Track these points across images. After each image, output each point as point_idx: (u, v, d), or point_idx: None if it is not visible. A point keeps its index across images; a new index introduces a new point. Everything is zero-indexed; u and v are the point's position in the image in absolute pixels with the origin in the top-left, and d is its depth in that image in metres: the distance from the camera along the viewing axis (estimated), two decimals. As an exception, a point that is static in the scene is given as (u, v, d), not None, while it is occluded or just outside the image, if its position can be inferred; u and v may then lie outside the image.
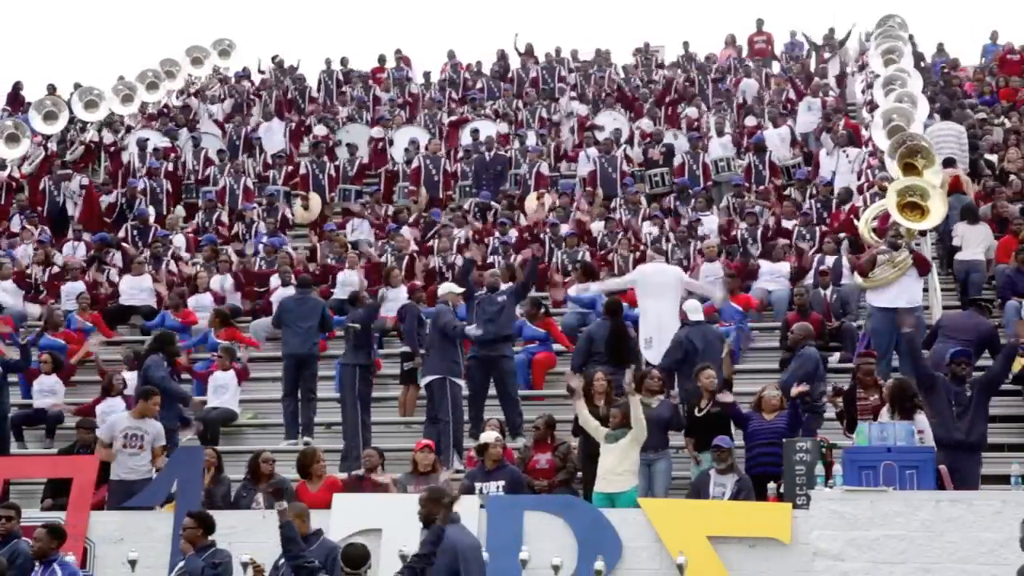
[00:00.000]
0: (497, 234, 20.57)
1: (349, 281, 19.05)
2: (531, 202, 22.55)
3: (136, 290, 19.95)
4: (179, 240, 21.64)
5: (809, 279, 18.10)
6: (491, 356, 15.67)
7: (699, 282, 17.26)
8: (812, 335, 15.00)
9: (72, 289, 19.80)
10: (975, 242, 18.40)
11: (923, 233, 17.78)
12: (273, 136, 26.49)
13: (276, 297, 18.81)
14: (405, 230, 21.27)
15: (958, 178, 19.85)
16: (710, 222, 20.41)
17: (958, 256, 18.32)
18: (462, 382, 15.31)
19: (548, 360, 17.29)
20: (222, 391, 16.62)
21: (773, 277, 18.51)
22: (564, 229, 20.54)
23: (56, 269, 20.74)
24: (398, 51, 32.63)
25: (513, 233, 20.70)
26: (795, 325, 15.29)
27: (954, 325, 15.03)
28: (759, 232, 19.80)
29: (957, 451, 12.48)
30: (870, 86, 24.60)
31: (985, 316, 15.42)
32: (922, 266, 16.03)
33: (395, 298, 17.98)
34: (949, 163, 20.14)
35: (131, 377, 16.50)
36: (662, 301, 16.11)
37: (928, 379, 12.82)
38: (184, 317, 18.85)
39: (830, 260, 18.22)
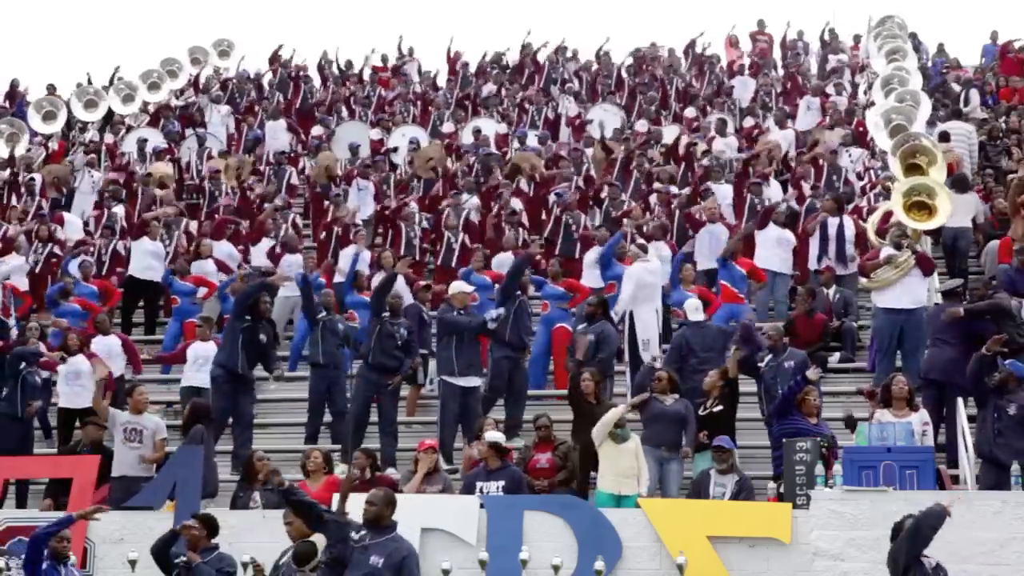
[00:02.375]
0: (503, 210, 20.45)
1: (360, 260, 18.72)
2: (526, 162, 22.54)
3: (150, 258, 19.42)
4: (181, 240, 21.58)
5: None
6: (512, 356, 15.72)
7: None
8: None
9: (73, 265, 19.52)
10: (961, 210, 18.46)
11: (928, 232, 17.81)
12: (277, 136, 26.45)
13: (283, 264, 18.75)
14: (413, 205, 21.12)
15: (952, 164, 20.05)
16: (722, 191, 20.30)
17: (945, 224, 18.35)
18: (458, 381, 15.22)
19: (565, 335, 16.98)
20: (204, 365, 16.02)
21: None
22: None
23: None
24: (411, 49, 32.70)
25: (516, 203, 20.63)
26: (768, 325, 15.22)
27: (934, 325, 14.76)
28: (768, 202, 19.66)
29: (990, 465, 12.52)
30: (870, 86, 24.60)
31: (957, 302, 14.99)
32: (926, 266, 15.96)
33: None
34: (944, 138, 20.32)
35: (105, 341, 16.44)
36: (655, 301, 16.19)
37: (983, 394, 12.86)
38: (194, 281, 18.48)
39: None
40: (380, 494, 10.45)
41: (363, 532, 10.21)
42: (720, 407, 13.81)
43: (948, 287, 15.47)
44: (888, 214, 17.17)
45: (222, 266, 19.19)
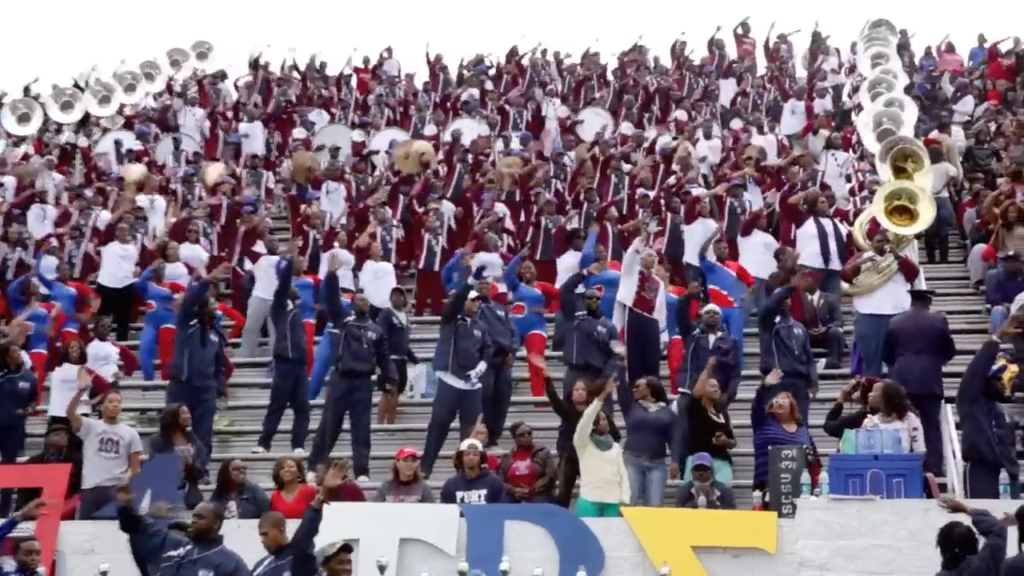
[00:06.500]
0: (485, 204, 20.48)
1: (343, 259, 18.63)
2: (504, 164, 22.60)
3: (123, 263, 19.28)
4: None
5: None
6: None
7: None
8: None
9: (48, 264, 19.30)
10: (937, 179, 19.06)
11: (918, 236, 17.88)
12: (254, 140, 26.34)
13: (262, 264, 18.55)
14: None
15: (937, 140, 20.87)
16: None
17: None
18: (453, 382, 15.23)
19: (540, 341, 17.10)
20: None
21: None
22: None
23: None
24: (390, 49, 32.66)
25: (501, 208, 20.57)
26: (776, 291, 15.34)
27: (906, 332, 14.44)
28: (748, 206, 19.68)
29: (985, 469, 12.42)
30: (856, 90, 24.65)
31: (927, 307, 14.88)
32: (909, 271, 16.00)
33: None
34: (944, 128, 21.33)
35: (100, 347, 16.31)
36: None
37: (970, 394, 12.74)
38: (170, 287, 18.18)
39: None
40: (210, 507, 10.73)
41: (188, 547, 10.43)
42: (720, 418, 13.79)
43: (920, 290, 15.45)
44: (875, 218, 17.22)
45: (191, 269, 18.86)
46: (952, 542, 10.02)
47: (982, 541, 10.09)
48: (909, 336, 14.32)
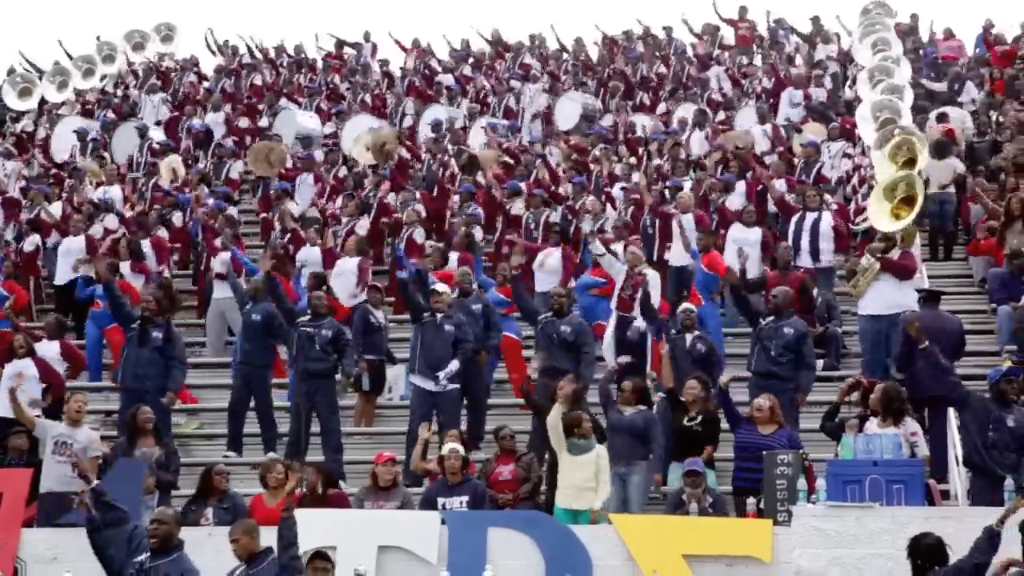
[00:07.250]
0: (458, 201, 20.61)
1: (310, 260, 18.78)
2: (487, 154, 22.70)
3: (65, 256, 19.42)
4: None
5: None
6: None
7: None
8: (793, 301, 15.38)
9: None
10: (941, 176, 19.51)
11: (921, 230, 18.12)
12: (218, 128, 26.36)
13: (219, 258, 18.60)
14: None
15: (951, 131, 21.26)
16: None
17: (928, 191, 18.73)
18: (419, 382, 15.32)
19: (514, 344, 17.25)
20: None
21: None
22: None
23: None
24: (367, 34, 32.71)
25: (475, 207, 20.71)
26: (776, 289, 15.47)
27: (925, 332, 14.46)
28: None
29: (986, 478, 12.50)
30: (855, 79, 24.79)
31: (936, 307, 15.13)
32: (898, 271, 16.05)
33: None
34: (942, 117, 21.54)
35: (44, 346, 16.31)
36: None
37: (960, 397, 12.88)
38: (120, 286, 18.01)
39: None
40: (170, 512, 10.80)
41: (146, 555, 10.49)
42: (699, 426, 13.91)
43: (928, 290, 15.59)
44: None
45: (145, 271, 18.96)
46: (919, 552, 10.21)
47: (953, 557, 10.25)
48: (930, 339, 14.23)
